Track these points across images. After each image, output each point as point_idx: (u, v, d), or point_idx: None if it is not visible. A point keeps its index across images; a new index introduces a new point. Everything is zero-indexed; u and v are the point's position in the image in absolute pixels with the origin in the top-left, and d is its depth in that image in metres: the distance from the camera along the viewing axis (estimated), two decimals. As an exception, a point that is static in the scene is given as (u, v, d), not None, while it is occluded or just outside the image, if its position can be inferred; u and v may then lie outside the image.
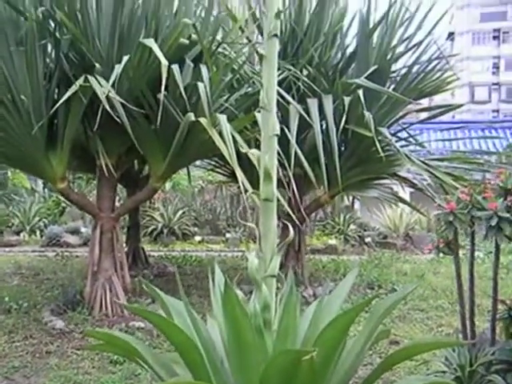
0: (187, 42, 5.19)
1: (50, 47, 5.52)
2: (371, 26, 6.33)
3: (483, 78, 56.44)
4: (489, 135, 18.22)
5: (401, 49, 6.73)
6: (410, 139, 7.39)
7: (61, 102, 4.63)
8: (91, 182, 11.73)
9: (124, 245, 7.68)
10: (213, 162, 8.29)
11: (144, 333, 5.02)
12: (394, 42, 6.54)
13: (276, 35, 2.66)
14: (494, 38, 57.15)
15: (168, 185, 13.70)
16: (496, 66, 57.33)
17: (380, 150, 5.54)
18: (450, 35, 54.76)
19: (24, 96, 5.12)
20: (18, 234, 12.94)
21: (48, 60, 5.53)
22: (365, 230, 13.10)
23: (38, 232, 12.97)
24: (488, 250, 9.41)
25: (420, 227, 13.42)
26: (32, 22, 5.07)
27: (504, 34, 56.75)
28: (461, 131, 17.13)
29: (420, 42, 6.76)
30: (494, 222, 2.93)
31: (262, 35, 5.43)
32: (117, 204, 6.73)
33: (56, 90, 5.48)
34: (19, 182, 15.10)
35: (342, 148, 6.74)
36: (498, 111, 54.60)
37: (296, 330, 2.39)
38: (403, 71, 6.88)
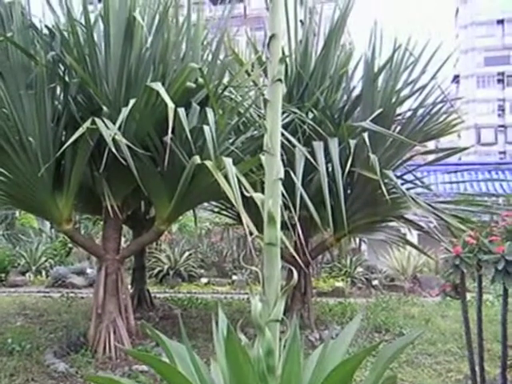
0: (194, 85, 5.26)
1: (58, 90, 5.62)
2: (376, 69, 6.40)
3: (489, 120, 56.77)
4: (496, 177, 18.18)
5: (406, 92, 6.78)
6: (417, 181, 7.38)
7: (68, 144, 4.67)
8: (98, 223, 11.74)
9: (129, 287, 7.64)
10: (219, 205, 8.30)
11: (148, 376, 4.94)
12: (399, 86, 6.60)
13: (280, 80, 2.69)
14: (499, 81, 57.70)
15: (175, 226, 13.70)
16: (501, 109, 57.70)
17: (386, 192, 5.53)
18: (456, 78, 55.33)
19: (32, 138, 5.18)
20: (23, 274, 12.91)
21: (56, 102, 5.61)
22: (372, 273, 12.97)
23: (43, 272, 12.94)
24: (498, 293, 9.26)
25: (428, 269, 13.28)
26: (42, 66, 5.18)
27: (508, 77, 57.30)
28: (467, 173, 17.13)
29: (424, 86, 6.82)
30: (501, 266, 2.90)
31: (267, 77, 5.50)
32: (123, 245, 6.73)
33: (63, 132, 5.55)
34: (27, 222, 15.15)
35: (348, 191, 6.73)
36: (504, 153, 54.68)
37: (300, 376, 2.35)
38: (408, 114, 6.93)
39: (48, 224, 15.25)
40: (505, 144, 55.95)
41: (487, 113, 56.99)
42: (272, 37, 2.71)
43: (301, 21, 7.15)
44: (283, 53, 2.76)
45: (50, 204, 5.56)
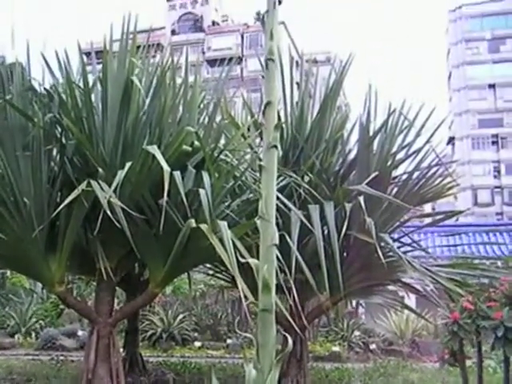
0: (190, 148, 5.29)
1: (55, 151, 5.64)
2: (371, 133, 6.46)
3: (485, 181, 57.21)
4: (494, 239, 18.15)
5: (401, 155, 6.81)
6: (414, 244, 7.33)
7: (63, 205, 4.66)
8: (91, 284, 11.58)
9: (121, 350, 7.45)
10: (214, 267, 8.20)
11: None
12: (394, 149, 6.65)
13: (276, 147, 2.69)
14: (493, 143, 58.54)
15: (169, 288, 13.52)
16: (497, 170, 58.28)
17: (382, 256, 5.47)
18: (451, 140, 56.14)
19: (27, 199, 5.16)
20: (12, 335, 12.63)
21: (52, 164, 5.63)
22: (369, 337, 12.74)
23: (33, 334, 12.66)
24: (500, 359, 9.07)
25: (427, 333, 13.05)
26: (39, 128, 5.22)
27: (502, 139, 58.19)
28: (465, 234, 17.09)
29: (420, 149, 6.86)
30: (500, 333, 2.82)
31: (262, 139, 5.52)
32: (116, 307, 6.61)
33: (59, 193, 5.54)
34: (18, 282, 14.93)
35: (344, 254, 6.67)
36: (501, 214, 54.84)
37: None
38: (404, 177, 6.95)
39: (40, 284, 15.06)
40: (502, 205, 56.18)
41: (483, 174, 57.54)
42: (267, 104, 2.72)
43: (297, 83, 7.27)
44: (279, 119, 2.77)
45: (43, 266, 5.49)
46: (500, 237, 18.78)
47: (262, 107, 2.77)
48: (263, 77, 2.99)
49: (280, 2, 3.06)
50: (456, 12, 61.47)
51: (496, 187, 57.59)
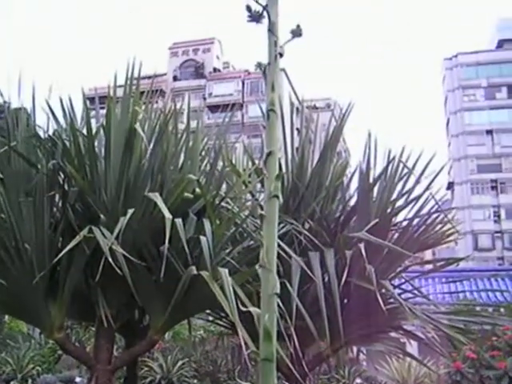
0: (191, 196, 5.34)
1: (57, 197, 5.69)
2: (371, 180, 6.53)
3: (485, 225, 57.23)
4: (495, 285, 18.08)
5: (401, 202, 6.86)
6: (415, 291, 7.31)
7: (64, 252, 4.68)
8: (89, 330, 11.47)
9: (119, 398, 7.34)
10: (214, 313, 8.14)
11: None
12: (394, 196, 6.70)
13: (277, 196, 2.74)
14: (492, 187, 58.79)
15: (168, 334, 13.39)
16: (497, 215, 58.37)
17: (383, 303, 5.46)
18: (450, 185, 56.45)
19: (28, 244, 5.18)
20: (8, 382, 12.44)
21: (55, 209, 5.66)
22: (371, 384, 12.56)
23: (30, 381, 12.48)
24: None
25: (430, 381, 12.85)
26: (43, 174, 5.28)
27: (501, 184, 58.47)
28: (466, 279, 17.03)
29: (419, 196, 6.92)
30: (505, 383, 2.81)
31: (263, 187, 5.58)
32: (115, 353, 6.54)
33: (60, 239, 5.56)
34: (16, 326, 14.79)
35: (345, 301, 6.64)
36: (502, 259, 54.68)
37: None
38: (404, 223, 6.98)
39: (38, 329, 14.91)
40: (502, 250, 56.06)
41: (483, 219, 57.61)
42: (269, 154, 2.79)
43: (297, 129, 7.37)
44: (280, 168, 2.83)
45: (42, 312, 5.47)
46: (502, 282, 18.70)
47: (264, 156, 2.83)
48: (264, 127, 3.06)
49: (281, 55, 3.16)
50: (452, 60, 62.73)
51: (496, 232, 57.53)
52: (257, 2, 3.20)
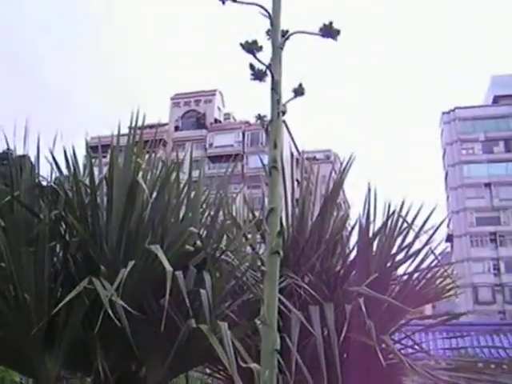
0: (192, 248, 5.37)
1: (58, 248, 5.70)
2: (371, 235, 6.56)
3: (485, 278, 56.84)
4: (497, 340, 17.86)
5: (400, 256, 6.88)
6: (415, 346, 7.23)
7: (63, 303, 4.67)
8: (85, 380, 11.25)
9: None
10: (211, 366, 8.03)
11: None
12: (394, 250, 6.72)
13: (278, 253, 2.77)
14: (492, 240, 58.68)
15: (164, 387, 13.12)
16: (496, 268, 58.05)
17: (382, 358, 5.42)
18: (449, 237, 56.31)
19: (28, 294, 5.17)
20: None
21: (55, 259, 5.67)
22: None
23: (21, 435, 12.14)
24: None
25: None
26: (45, 224, 5.31)
27: (500, 237, 58.37)
28: (467, 333, 16.82)
29: (419, 250, 6.94)
30: None
31: (264, 242, 5.61)
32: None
33: (59, 289, 5.54)
34: (9, 375, 14.46)
35: (344, 355, 6.57)
36: (504, 313, 54.03)
37: None
38: (404, 277, 6.98)
39: (32, 380, 14.59)
40: (503, 303, 55.49)
41: (483, 272, 57.30)
42: (271, 210, 2.84)
43: (297, 180, 7.45)
44: (281, 224, 2.87)
45: (39, 362, 5.41)
46: (504, 337, 18.46)
47: (266, 213, 2.88)
48: (266, 184, 3.12)
49: (284, 113, 3.25)
50: (450, 114, 63.75)
51: (496, 285, 57.06)
52: (260, 61, 3.31)
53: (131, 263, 4.70)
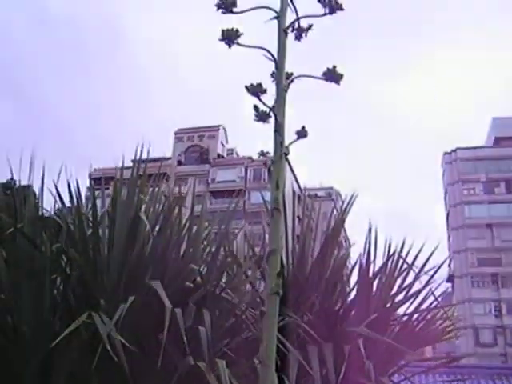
0: (192, 285, 5.37)
1: (58, 280, 5.70)
2: (371, 275, 6.57)
3: (487, 320, 56.26)
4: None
5: (400, 297, 6.87)
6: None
7: (62, 336, 4.65)
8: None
9: None
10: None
11: None
12: (394, 291, 6.72)
13: (278, 293, 2.79)
14: (493, 282, 58.34)
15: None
16: (498, 309, 57.51)
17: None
18: (450, 277, 55.94)
19: (27, 327, 5.16)
20: None
21: (55, 292, 5.66)
22: None
23: None
24: None
25: None
26: (47, 257, 5.33)
27: (502, 278, 58.04)
28: (468, 377, 16.56)
29: (419, 291, 6.93)
30: None
31: (264, 280, 5.62)
32: None
33: (58, 322, 5.53)
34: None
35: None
36: (505, 355, 53.26)
37: None
38: (404, 318, 6.95)
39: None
40: (505, 346, 54.79)
41: (484, 313, 56.78)
42: (271, 251, 2.87)
43: (298, 217, 7.47)
44: (282, 265, 2.89)
45: (34, 398, 5.36)
46: (506, 381, 18.12)
47: (266, 250, 2.91)
48: (268, 224, 3.16)
49: (287, 154, 3.30)
50: (452, 155, 64.16)
51: (498, 327, 56.45)
52: (264, 103, 3.38)
53: (131, 298, 4.71)
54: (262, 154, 3.75)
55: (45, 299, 5.29)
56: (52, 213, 6.11)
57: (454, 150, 62.97)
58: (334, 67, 3.37)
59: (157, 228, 5.72)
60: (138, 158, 6.05)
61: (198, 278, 5.42)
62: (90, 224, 5.65)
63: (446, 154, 64.16)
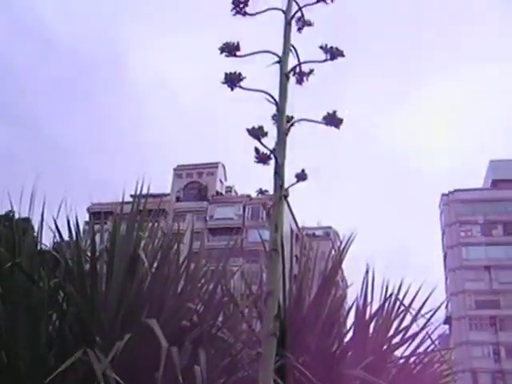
0: (188, 324, 5.36)
1: (55, 316, 5.68)
2: (367, 317, 6.56)
3: (485, 364, 55.51)
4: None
5: (397, 339, 6.84)
6: None
7: (56, 372, 4.63)
8: None
9: None
10: None
11: None
12: (391, 333, 6.69)
13: (275, 335, 2.81)
14: (491, 324, 57.80)
15: None
16: (496, 353, 56.81)
17: None
18: (448, 319, 55.39)
19: (22, 362, 5.13)
20: None
21: (51, 328, 5.64)
22: None
23: None
24: None
25: None
26: (44, 293, 5.33)
27: (500, 321, 57.53)
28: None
29: (416, 334, 6.90)
30: None
31: (261, 319, 5.61)
32: None
33: (54, 358, 5.49)
34: None
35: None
36: (505, 401, 52.41)
37: None
38: (401, 361, 6.91)
39: None
40: (504, 391, 53.97)
41: (482, 356, 56.09)
42: (269, 293, 2.90)
43: (296, 256, 7.47)
44: (279, 307, 2.92)
45: None
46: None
47: (263, 289, 2.94)
48: (266, 266, 3.19)
49: (286, 197, 3.36)
50: (449, 196, 64.44)
51: (497, 372, 55.68)
52: (264, 146, 3.45)
53: (127, 336, 4.70)
54: (261, 192, 3.81)
55: (41, 335, 5.27)
56: (51, 247, 6.12)
57: (452, 192, 63.30)
58: (334, 112, 3.44)
59: (155, 265, 5.74)
60: (137, 193, 6.09)
61: (195, 317, 5.41)
62: (89, 259, 5.66)
63: (443, 195, 64.46)
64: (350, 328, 6.91)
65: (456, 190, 62.98)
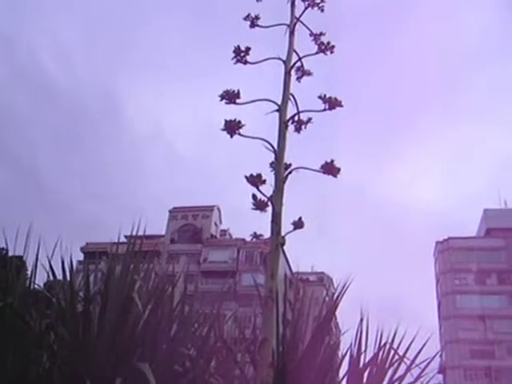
0: (181, 369, 5.30)
1: (45, 357, 5.60)
2: (361, 365, 6.49)
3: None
4: None
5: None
6: None
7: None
8: None
9: None
10: None
11: None
12: (385, 383, 6.60)
13: (268, 382, 2.80)
14: (486, 375, 57.05)
15: None
16: (493, 406, 55.89)
17: None
18: (442, 368, 54.62)
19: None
20: None
21: (40, 369, 5.55)
22: None
23: None
24: None
25: None
26: (35, 333, 5.28)
27: (495, 371, 56.79)
28: None
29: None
30: None
31: (254, 365, 5.55)
32: None
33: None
34: None
35: None
36: None
37: None
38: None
39: None
40: None
41: (479, 407, 55.19)
42: (263, 340, 2.90)
43: (289, 301, 7.43)
44: (273, 355, 2.92)
45: None
46: None
47: (256, 333, 2.93)
48: (261, 312, 3.20)
49: (282, 244, 3.38)
50: (444, 244, 64.47)
51: (493, 425, 54.63)
52: (262, 193, 3.49)
53: (119, 380, 4.64)
54: (255, 236, 3.83)
55: (30, 375, 5.19)
56: (44, 287, 6.08)
57: (446, 240, 63.36)
58: (332, 161, 3.50)
59: (149, 307, 5.69)
60: (132, 234, 6.08)
61: (187, 362, 5.36)
62: (82, 301, 5.62)
63: (438, 242, 64.49)
64: (344, 377, 6.82)
65: (450, 238, 63.07)
